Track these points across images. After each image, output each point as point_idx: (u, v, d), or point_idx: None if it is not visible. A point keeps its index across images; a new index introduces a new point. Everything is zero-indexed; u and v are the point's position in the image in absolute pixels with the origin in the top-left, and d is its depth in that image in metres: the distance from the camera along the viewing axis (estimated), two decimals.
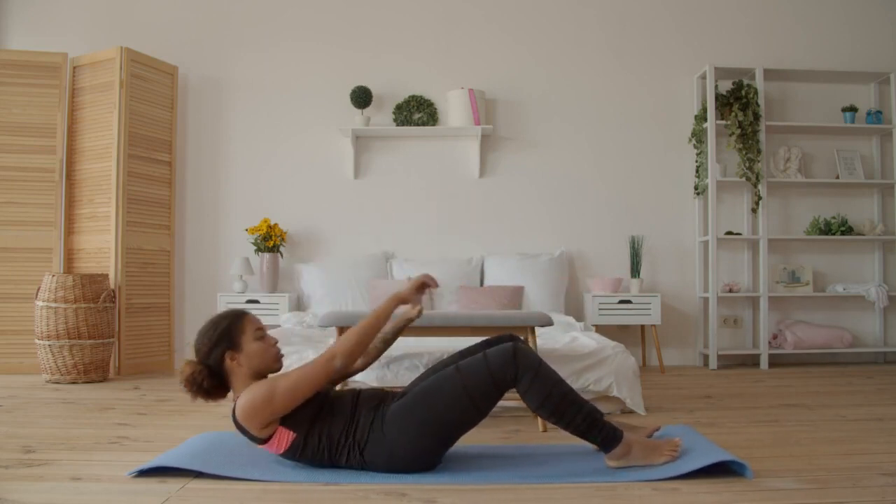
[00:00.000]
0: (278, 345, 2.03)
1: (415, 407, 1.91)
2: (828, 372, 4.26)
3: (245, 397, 1.87)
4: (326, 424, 1.93)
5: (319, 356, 1.94)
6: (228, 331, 1.94)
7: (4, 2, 4.79)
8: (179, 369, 1.95)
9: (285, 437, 1.91)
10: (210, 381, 1.93)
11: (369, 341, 2.00)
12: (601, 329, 4.24)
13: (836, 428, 2.59)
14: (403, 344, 3.03)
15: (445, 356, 2.83)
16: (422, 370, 2.82)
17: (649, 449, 1.96)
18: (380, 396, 2.02)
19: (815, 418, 2.79)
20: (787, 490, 1.80)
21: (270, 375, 2.00)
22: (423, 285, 2.15)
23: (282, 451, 1.93)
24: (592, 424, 1.91)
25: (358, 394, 2.03)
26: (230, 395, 2.00)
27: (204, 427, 2.63)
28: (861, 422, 2.71)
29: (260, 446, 1.94)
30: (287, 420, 1.91)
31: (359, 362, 2.21)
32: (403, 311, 2.16)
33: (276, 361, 1.99)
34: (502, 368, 1.90)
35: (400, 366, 2.88)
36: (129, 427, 2.64)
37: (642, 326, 4.59)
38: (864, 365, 4.62)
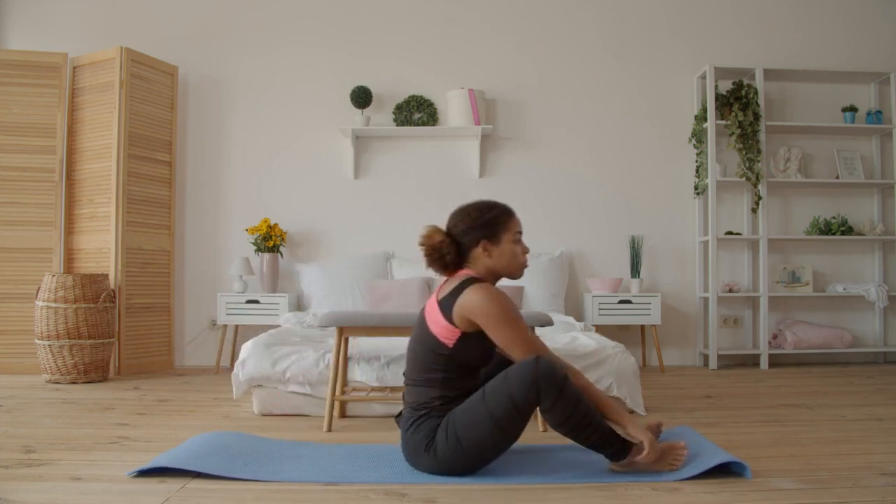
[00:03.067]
0: (528, 256, 2.04)
1: (453, 429, 1.87)
2: (828, 372, 4.26)
3: (489, 298, 1.86)
4: (456, 375, 1.93)
5: (539, 344, 1.94)
6: (494, 221, 1.97)
7: (4, 2, 4.79)
8: (424, 232, 1.95)
9: (449, 338, 1.90)
10: (454, 256, 1.95)
11: (570, 399, 1.83)
12: (601, 329, 4.24)
13: (836, 428, 2.59)
14: (403, 344, 3.03)
15: None
16: None
17: (655, 457, 1.95)
18: None
19: (815, 418, 2.79)
20: (787, 490, 1.80)
21: (502, 282, 2.01)
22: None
23: (432, 332, 1.92)
24: (605, 441, 1.88)
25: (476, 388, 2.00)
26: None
27: (204, 427, 2.63)
28: (861, 422, 2.71)
29: (437, 312, 1.92)
30: (468, 339, 1.90)
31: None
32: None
33: (520, 269, 2.01)
34: (525, 394, 1.81)
35: (399, 366, 2.88)
36: (129, 427, 2.64)
37: (642, 326, 4.59)
38: (864, 365, 4.62)
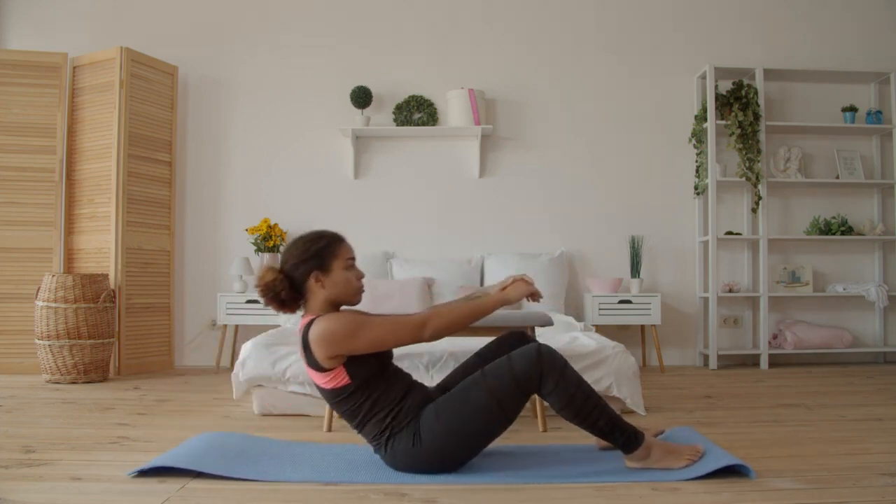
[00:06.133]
0: (363, 280, 2.03)
1: (444, 414, 1.90)
2: (828, 372, 4.26)
3: (327, 324, 1.86)
4: (378, 391, 1.93)
5: (411, 316, 1.93)
6: (323, 251, 1.95)
7: (4, 2, 4.79)
8: (259, 274, 1.95)
9: (341, 378, 1.91)
10: (288, 293, 1.94)
11: (460, 330, 1.97)
12: (601, 329, 4.24)
13: (836, 428, 2.59)
14: None
15: (445, 356, 2.84)
16: (422, 370, 2.82)
17: (669, 452, 1.95)
18: (424, 396, 2.01)
19: (815, 418, 2.79)
20: (787, 490, 1.80)
21: (344, 308, 2.01)
22: (532, 295, 2.08)
23: (328, 388, 1.94)
24: (615, 426, 1.89)
25: (411, 384, 2.02)
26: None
27: (204, 427, 2.63)
28: (861, 422, 2.71)
29: (311, 370, 1.94)
30: (352, 365, 1.90)
31: None
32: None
33: (356, 295, 2.00)
34: (527, 372, 1.87)
35: (399, 365, 2.87)
36: (129, 427, 2.64)
37: (642, 326, 4.59)
38: (864, 365, 4.62)
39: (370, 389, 1.93)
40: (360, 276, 2.02)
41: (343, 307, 2.03)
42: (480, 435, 1.92)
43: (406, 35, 4.79)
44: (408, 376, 2.06)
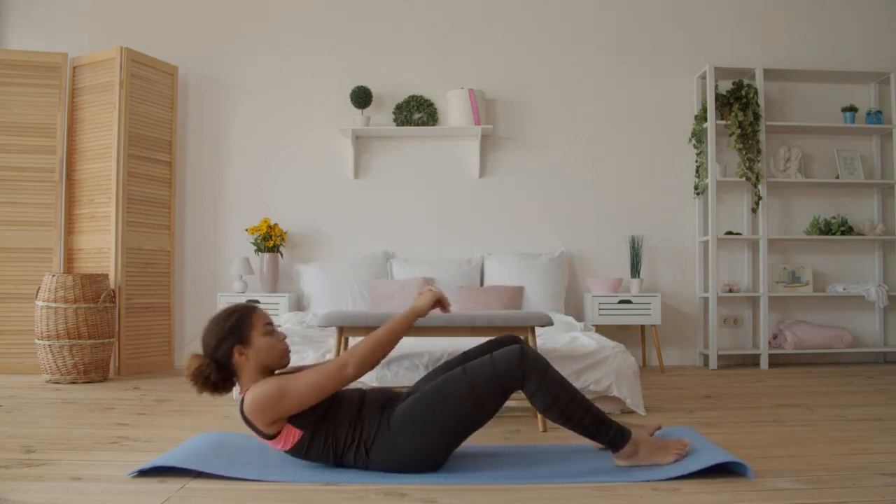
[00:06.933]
0: (286, 340, 2.03)
1: (422, 408, 1.91)
2: (828, 372, 4.26)
3: (254, 393, 1.87)
4: (332, 424, 1.93)
5: (331, 363, 1.93)
6: (238, 325, 1.94)
7: (4, 2, 4.79)
8: (185, 364, 1.96)
9: (292, 434, 1.92)
10: (217, 374, 1.93)
11: (384, 354, 1.97)
12: (601, 329, 4.24)
13: (836, 428, 2.59)
14: (403, 344, 3.03)
15: (445, 356, 2.84)
16: (422, 370, 2.83)
17: (657, 448, 1.97)
18: (387, 396, 2.02)
19: (815, 418, 2.79)
20: (787, 490, 1.80)
21: (277, 372, 2.01)
22: (440, 302, 2.10)
23: (288, 448, 1.94)
24: (600, 424, 1.91)
25: (364, 395, 2.03)
26: (236, 388, 2.01)
27: (204, 427, 2.63)
28: (861, 422, 2.71)
29: (267, 441, 1.95)
30: (294, 418, 1.91)
31: None
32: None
33: (283, 357, 1.99)
34: (509, 372, 1.89)
35: (400, 366, 2.88)
36: (129, 427, 2.64)
37: (642, 326, 4.59)
38: (864, 365, 4.62)
39: (326, 428, 1.93)
40: (282, 337, 2.01)
41: (276, 371, 2.01)
42: (458, 430, 1.93)
43: (406, 35, 4.79)
44: (357, 391, 2.05)
